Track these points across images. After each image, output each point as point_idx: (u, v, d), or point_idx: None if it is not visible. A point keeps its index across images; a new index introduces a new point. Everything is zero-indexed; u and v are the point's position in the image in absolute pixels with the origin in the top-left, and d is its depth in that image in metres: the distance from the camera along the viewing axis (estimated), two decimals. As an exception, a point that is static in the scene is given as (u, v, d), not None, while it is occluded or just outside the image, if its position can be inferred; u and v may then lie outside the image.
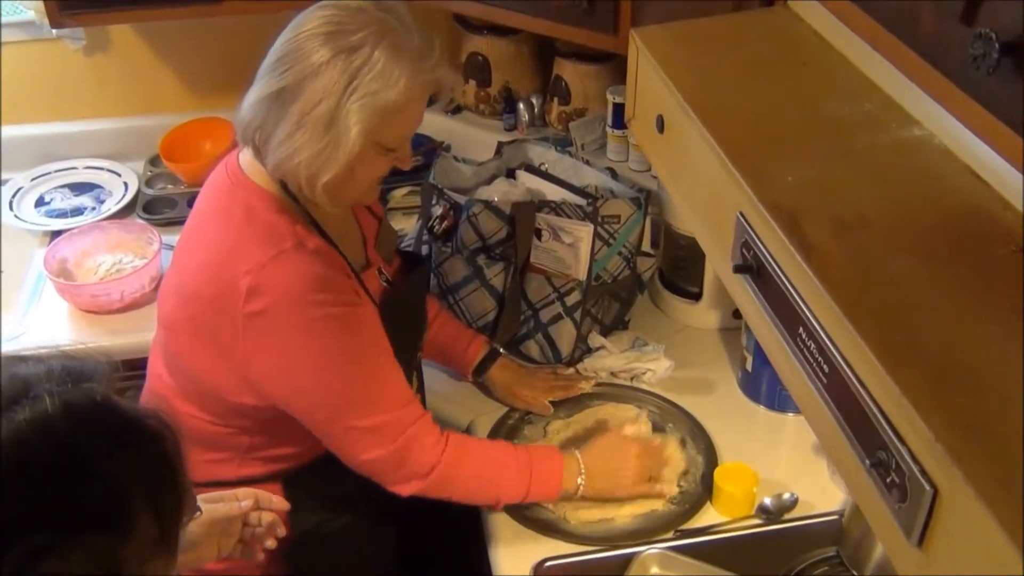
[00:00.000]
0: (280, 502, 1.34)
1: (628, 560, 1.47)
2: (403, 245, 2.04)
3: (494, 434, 1.71)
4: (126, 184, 2.34)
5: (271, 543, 1.32)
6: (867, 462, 0.84)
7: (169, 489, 0.87)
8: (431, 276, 1.88)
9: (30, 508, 0.77)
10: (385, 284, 1.53)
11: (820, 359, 0.91)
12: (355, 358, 1.38)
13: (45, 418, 0.80)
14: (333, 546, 1.47)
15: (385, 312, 1.46)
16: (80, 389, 0.85)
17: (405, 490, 1.44)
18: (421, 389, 1.68)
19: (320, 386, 1.38)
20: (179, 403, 1.44)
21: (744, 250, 1.06)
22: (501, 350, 1.75)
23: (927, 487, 0.76)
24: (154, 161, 2.39)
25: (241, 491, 1.31)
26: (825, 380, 0.91)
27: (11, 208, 2.26)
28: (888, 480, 0.81)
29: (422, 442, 1.42)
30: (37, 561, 0.76)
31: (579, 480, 1.51)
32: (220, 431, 1.45)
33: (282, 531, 1.32)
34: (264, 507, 1.32)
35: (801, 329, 0.95)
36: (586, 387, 1.75)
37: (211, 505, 1.26)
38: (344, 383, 1.38)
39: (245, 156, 1.41)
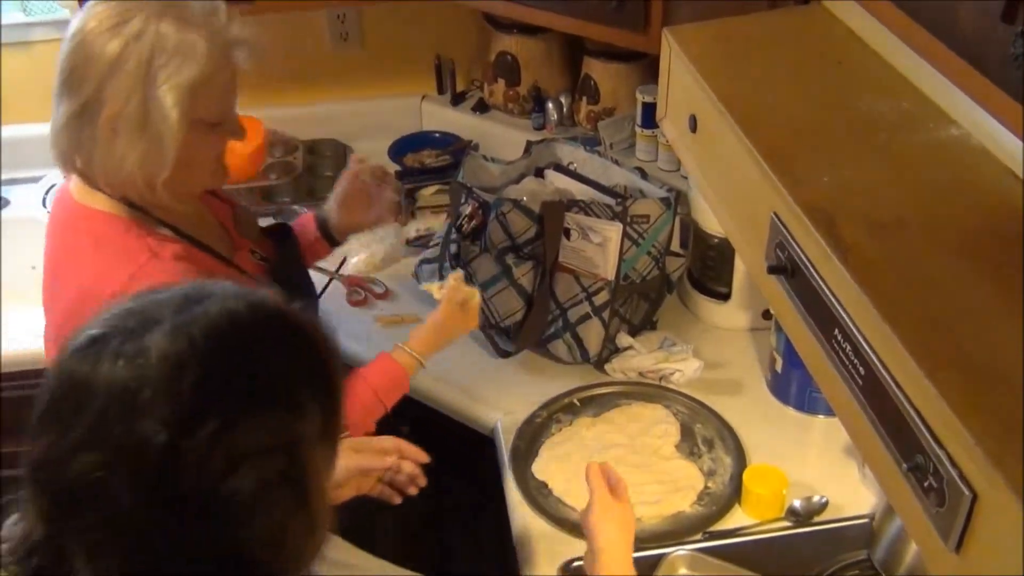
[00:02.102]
0: (420, 453, 1.41)
1: (656, 561, 1.47)
2: (431, 244, 2.04)
3: (520, 434, 1.71)
4: (157, 182, 2.35)
5: (413, 491, 1.43)
6: (904, 466, 0.83)
7: (332, 392, 0.92)
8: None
9: (218, 388, 0.82)
10: (260, 261, 1.55)
11: (856, 361, 0.90)
12: None
13: (233, 311, 0.85)
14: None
15: (270, 286, 1.46)
16: (258, 295, 0.90)
17: None
18: None
19: None
20: None
21: (778, 251, 1.05)
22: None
23: (966, 492, 0.74)
24: (184, 159, 2.40)
25: (387, 441, 1.41)
26: (861, 382, 0.90)
27: (45, 205, 2.28)
28: (926, 484, 0.80)
29: None
30: (224, 437, 0.79)
31: (407, 350, 1.55)
32: None
33: (422, 481, 1.42)
34: (408, 457, 1.41)
35: (836, 331, 0.94)
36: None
37: (355, 455, 1.35)
38: None
39: (75, 184, 1.38)
